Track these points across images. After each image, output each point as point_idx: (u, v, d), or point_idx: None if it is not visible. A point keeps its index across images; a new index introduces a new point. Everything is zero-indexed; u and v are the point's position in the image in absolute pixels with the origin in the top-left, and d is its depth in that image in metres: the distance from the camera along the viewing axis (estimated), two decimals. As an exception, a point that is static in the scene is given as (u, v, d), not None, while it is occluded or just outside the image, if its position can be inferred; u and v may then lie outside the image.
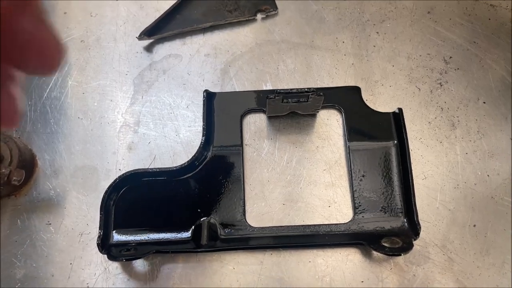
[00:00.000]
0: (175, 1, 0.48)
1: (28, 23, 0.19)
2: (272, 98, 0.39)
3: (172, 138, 0.44)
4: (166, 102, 0.45)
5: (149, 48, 0.47)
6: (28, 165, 0.42)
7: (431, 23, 0.47)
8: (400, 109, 0.42)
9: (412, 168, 0.41)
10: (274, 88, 0.45)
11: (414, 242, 0.38)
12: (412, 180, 0.40)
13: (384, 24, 0.48)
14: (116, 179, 0.40)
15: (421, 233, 0.38)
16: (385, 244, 0.38)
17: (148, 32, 0.46)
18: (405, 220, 0.40)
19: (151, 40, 0.47)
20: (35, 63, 0.21)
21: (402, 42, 0.47)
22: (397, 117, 0.42)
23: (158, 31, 0.47)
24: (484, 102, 0.44)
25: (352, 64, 0.46)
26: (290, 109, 0.42)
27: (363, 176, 0.41)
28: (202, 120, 0.43)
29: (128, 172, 0.40)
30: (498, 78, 0.45)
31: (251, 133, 0.44)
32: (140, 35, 0.46)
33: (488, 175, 0.42)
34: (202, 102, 0.44)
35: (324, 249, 0.40)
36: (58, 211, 0.41)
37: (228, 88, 0.46)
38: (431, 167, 0.42)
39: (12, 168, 0.38)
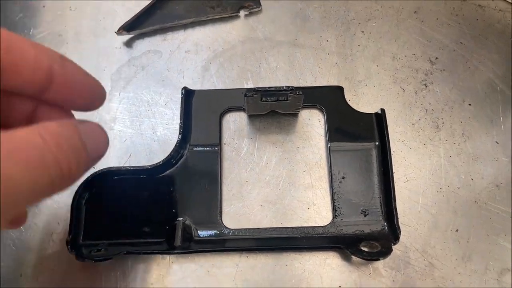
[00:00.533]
0: (157, -4, 0.47)
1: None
2: (250, 96, 0.38)
3: (149, 136, 0.43)
4: (144, 99, 0.44)
5: (128, 44, 0.46)
6: None
7: (418, 23, 0.46)
8: (382, 110, 0.41)
9: (394, 171, 0.40)
10: (256, 86, 0.44)
11: (394, 247, 0.37)
12: (393, 182, 0.39)
13: (369, 23, 0.47)
14: (88, 177, 0.39)
15: (402, 237, 0.37)
16: (364, 249, 0.37)
17: (127, 27, 0.45)
18: (385, 223, 0.38)
19: (130, 36, 0.46)
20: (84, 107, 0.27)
21: (388, 42, 0.46)
22: (380, 118, 0.41)
23: (138, 26, 0.46)
24: (470, 104, 0.43)
25: (336, 63, 0.45)
26: (270, 108, 0.41)
27: (343, 178, 0.40)
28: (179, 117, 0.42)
29: (100, 170, 0.39)
30: (485, 80, 0.44)
31: (230, 132, 0.43)
32: (119, 29, 0.45)
33: (472, 179, 0.41)
34: (179, 99, 0.43)
35: (302, 253, 0.38)
36: (29, 209, 0.40)
37: (208, 86, 0.45)
38: (413, 170, 0.41)
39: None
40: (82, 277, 0.38)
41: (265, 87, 0.38)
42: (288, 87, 0.37)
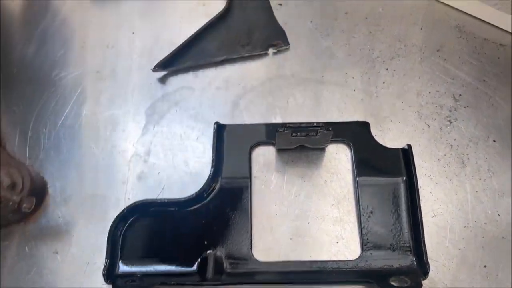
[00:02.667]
0: (190, 35, 0.49)
1: None
2: (281, 131, 0.40)
3: (182, 169, 0.44)
4: (177, 133, 0.46)
5: (162, 80, 0.48)
6: (39, 192, 0.42)
7: (441, 61, 0.48)
8: (409, 145, 0.42)
9: (422, 206, 0.41)
10: (284, 121, 0.46)
11: (423, 282, 0.37)
12: (421, 217, 0.39)
13: (393, 61, 0.48)
14: (124, 209, 0.40)
15: (430, 273, 0.38)
16: (394, 283, 0.37)
17: (162, 65, 0.47)
18: (414, 258, 0.39)
19: (165, 72, 0.48)
20: None
21: (412, 79, 0.47)
22: (406, 153, 0.42)
23: (172, 64, 0.48)
24: (494, 141, 0.44)
25: (362, 99, 0.47)
26: (299, 142, 0.42)
27: (371, 212, 0.41)
28: (211, 151, 0.44)
29: (136, 202, 0.40)
30: (508, 116, 0.45)
31: (259, 166, 0.44)
32: (154, 67, 0.47)
33: (498, 215, 0.41)
34: (212, 134, 0.44)
35: (331, 286, 0.39)
36: (66, 239, 0.41)
37: (238, 121, 0.46)
38: (440, 205, 0.42)
39: (23, 195, 0.39)
40: (116, 307, 0.39)
41: (296, 123, 0.40)
42: (318, 123, 0.39)
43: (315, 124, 0.39)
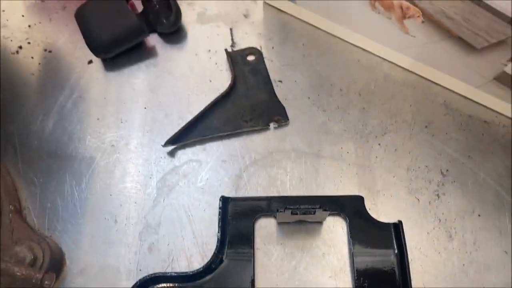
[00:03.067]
0: (198, 110, 0.53)
1: None
2: (281, 211, 0.43)
3: (190, 240, 0.48)
4: (185, 205, 0.49)
5: (172, 153, 0.52)
6: (57, 264, 0.45)
7: (429, 137, 0.52)
8: (400, 221, 0.46)
9: (412, 277, 0.44)
10: (284, 194, 0.50)
11: None
12: (412, 290, 0.43)
13: (385, 136, 0.52)
14: (137, 282, 0.43)
15: None
16: None
17: (172, 141, 0.51)
18: (405, 331, 0.42)
19: (174, 147, 0.52)
20: None
21: (402, 155, 0.51)
22: (397, 229, 0.46)
23: (181, 139, 0.52)
24: (479, 215, 0.48)
25: (356, 173, 0.50)
26: (298, 218, 0.46)
27: (366, 283, 0.44)
28: (217, 222, 0.47)
29: (147, 276, 0.44)
30: (492, 192, 0.49)
31: (261, 238, 0.47)
32: (165, 143, 0.51)
33: None
34: (217, 205, 0.48)
35: None
36: (81, 311, 0.44)
37: (242, 193, 0.50)
38: (430, 278, 0.45)
39: (43, 271, 0.42)
40: None
41: (296, 203, 0.43)
42: (315, 206, 0.43)
43: (311, 206, 0.43)
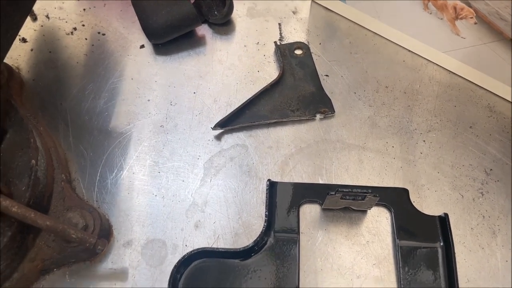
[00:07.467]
0: (245, 97, 0.55)
1: None
2: (332, 194, 0.44)
3: (235, 220, 0.48)
4: (232, 186, 0.50)
5: (219, 137, 0.53)
6: (105, 234, 0.46)
7: (473, 137, 0.53)
8: (446, 214, 0.46)
9: (457, 271, 0.44)
10: (329, 182, 0.50)
11: None
12: (457, 282, 0.43)
13: (430, 134, 0.53)
14: (185, 255, 0.44)
15: (466, 336, 0.40)
16: None
17: (221, 124, 0.52)
18: (450, 321, 0.42)
19: (221, 130, 0.53)
20: None
21: (447, 152, 0.52)
22: (443, 221, 0.46)
23: (229, 123, 0.53)
24: (523, 214, 0.48)
25: (401, 167, 0.51)
26: (345, 204, 0.47)
27: (410, 274, 0.44)
28: (264, 206, 0.48)
29: (196, 249, 0.44)
30: (536, 193, 0.49)
31: (306, 222, 0.48)
32: (214, 126, 0.52)
33: (528, 285, 0.44)
34: (263, 189, 0.49)
35: None
36: (128, 281, 0.45)
37: (287, 179, 0.51)
38: (473, 271, 0.45)
39: (96, 236, 0.43)
40: None
41: (347, 186, 0.44)
42: (367, 190, 0.43)
43: (364, 190, 0.43)
